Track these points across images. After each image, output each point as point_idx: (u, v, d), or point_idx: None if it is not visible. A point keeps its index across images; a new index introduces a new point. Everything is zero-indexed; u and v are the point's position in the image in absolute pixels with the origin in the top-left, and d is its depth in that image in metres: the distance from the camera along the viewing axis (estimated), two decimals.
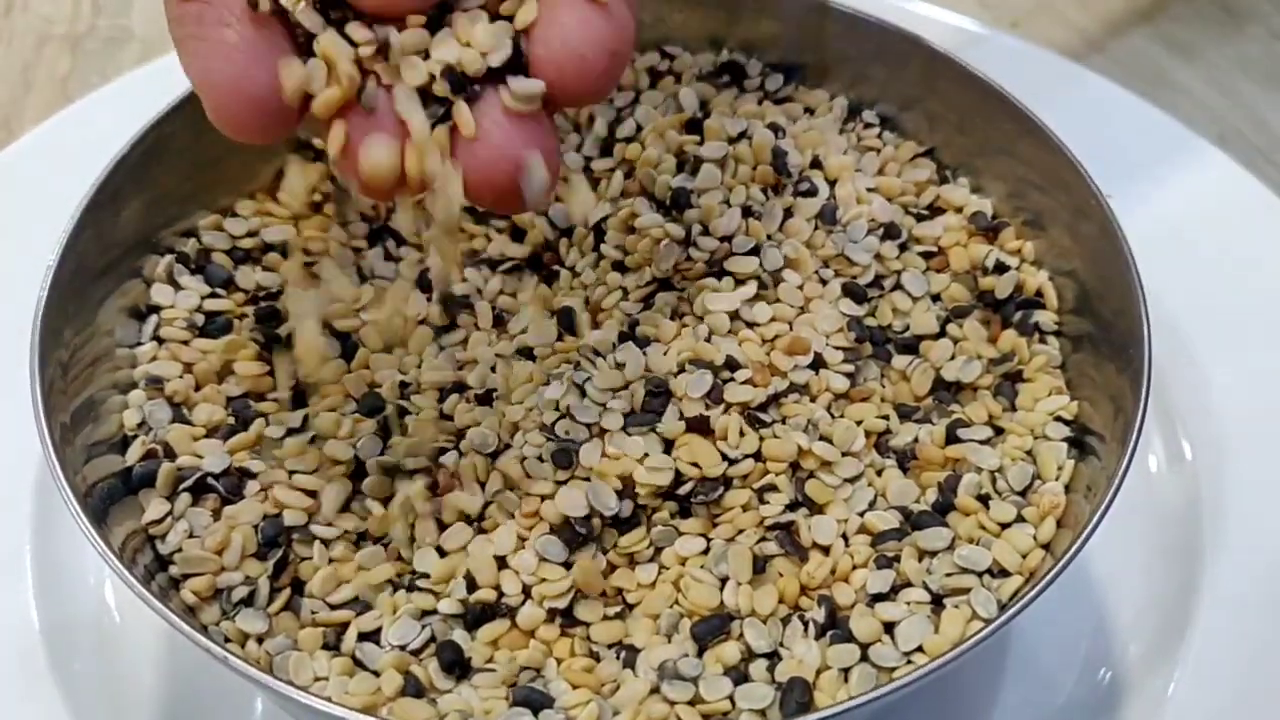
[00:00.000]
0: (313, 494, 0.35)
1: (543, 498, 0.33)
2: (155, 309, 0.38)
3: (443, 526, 0.34)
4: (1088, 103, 0.51)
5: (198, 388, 0.37)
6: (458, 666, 0.32)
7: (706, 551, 0.33)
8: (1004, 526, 0.34)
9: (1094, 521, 0.31)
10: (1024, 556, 0.33)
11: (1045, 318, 0.38)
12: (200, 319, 0.38)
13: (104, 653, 0.38)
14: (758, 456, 0.34)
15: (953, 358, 0.37)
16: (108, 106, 0.52)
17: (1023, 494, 0.34)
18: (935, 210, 0.41)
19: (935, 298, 0.38)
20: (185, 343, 0.38)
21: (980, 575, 0.33)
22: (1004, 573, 0.33)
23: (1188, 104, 0.57)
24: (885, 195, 0.40)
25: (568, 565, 0.33)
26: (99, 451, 0.35)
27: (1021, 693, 0.39)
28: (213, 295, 0.39)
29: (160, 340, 0.38)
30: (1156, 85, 0.58)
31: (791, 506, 0.34)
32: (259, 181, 0.42)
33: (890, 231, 0.39)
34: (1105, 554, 0.39)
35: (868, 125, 0.43)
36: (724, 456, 0.34)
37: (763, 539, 0.33)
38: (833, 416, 0.35)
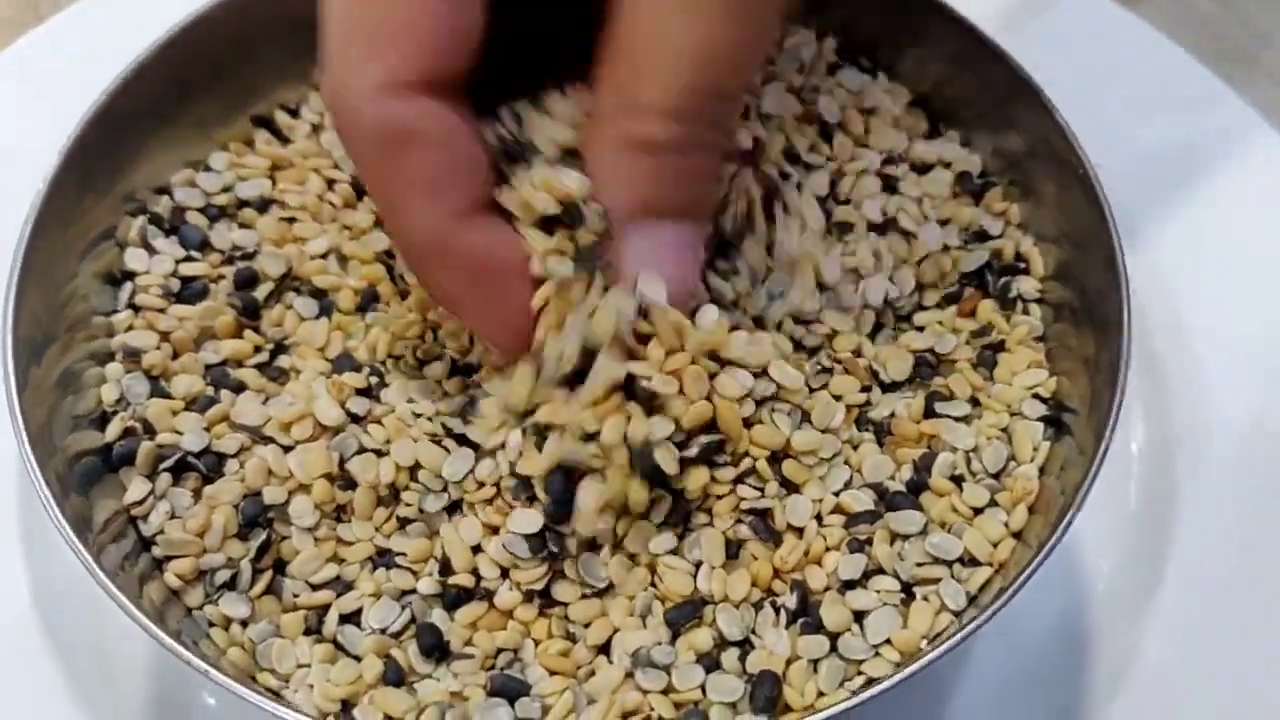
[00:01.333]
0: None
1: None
2: (130, 275, 0.38)
3: None
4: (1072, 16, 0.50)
5: (175, 356, 0.37)
6: (437, 650, 0.33)
7: (682, 537, 0.33)
8: (976, 511, 0.34)
9: (1068, 519, 0.31)
10: (995, 546, 0.33)
11: (1028, 285, 0.38)
12: (176, 284, 0.38)
13: (94, 620, 0.39)
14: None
15: (922, 329, 0.37)
16: (81, 25, 0.50)
17: (996, 476, 0.35)
18: (924, 168, 0.40)
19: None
20: (161, 310, 0.37)
21: (950, 565, 0.33)
22: (974, 561, 0.33)
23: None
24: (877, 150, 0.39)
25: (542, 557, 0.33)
26: (80, 425, 0.36)
27: (994, 646, 0.39)
28: (187, 259, 0.38)
29: (136, 309, 0.37)
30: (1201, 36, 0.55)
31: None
32: (233, 131, 0.41)
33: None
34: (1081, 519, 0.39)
35: (862, 70, 0.42)
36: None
37: (738, 521, 0.33)
38: (811, 390, 0.35)
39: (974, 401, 0.36)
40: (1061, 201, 0.37)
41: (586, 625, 0.33)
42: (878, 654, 0.32)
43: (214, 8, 0.40)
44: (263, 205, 0.40)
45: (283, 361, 0.37)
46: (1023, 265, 0.38)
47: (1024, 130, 0.39)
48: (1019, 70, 0.38)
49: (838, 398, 0.35)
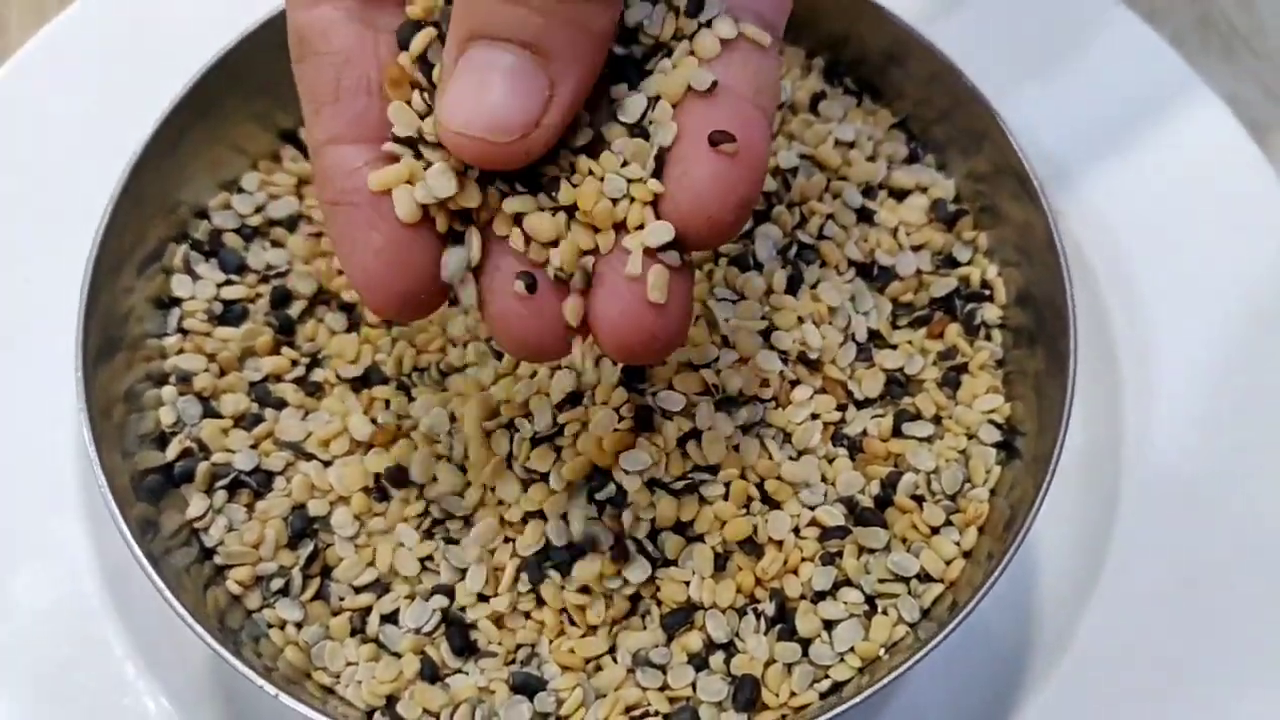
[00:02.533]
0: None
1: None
2: (177, 300, 0.42)
3: None
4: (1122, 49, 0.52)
5: (221, 374, 0.41)
6: (465, 649, 0.38)
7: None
8: (934, 530, 0.39)
9: (1005, 560, 0.36)
10: (947, 564, 0.38)
11: (991, 313, 0.42)
12: (219, 307, 0.42)
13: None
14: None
15: (895, 347, 0.41)
16: (89, 21, 0.52)
17: (953, 498, 0.39)
18: (902, 194, 0.43)
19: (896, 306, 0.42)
20: (207, 334, 0.41)
21: (908, 581, 0.38)
22: (929, 578, 0.38)
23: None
24: (856, 182, 0.43)
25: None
26: (145, 443, 0.40)
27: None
28: (227, 283, 0.42)
29: (184, 332, 0.42)
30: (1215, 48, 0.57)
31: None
32: (260, 148, 0.45)
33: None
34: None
35: (848, 91, 0.45)
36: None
37: (723, 539, 0.38)
38: (779, 405, 0.40)
39: (937, 420, 0.41)
40: (1023, 225, 0.41)
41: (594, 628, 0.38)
42: (842, 660, 0.37)
43: (259, 29, 0.42)
44: (292, 223, 0.44)
45: (317, 375, 0.42)
46: (987, 292, 0.42)
47: (989, 155, 0.42)
48: (979, 95, 0.41)
49: (815, 416, 0.40)
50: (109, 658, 0.42)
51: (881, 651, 0.37)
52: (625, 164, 0.30)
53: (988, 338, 0.42)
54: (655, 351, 0.30)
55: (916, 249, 0.42)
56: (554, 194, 0.30)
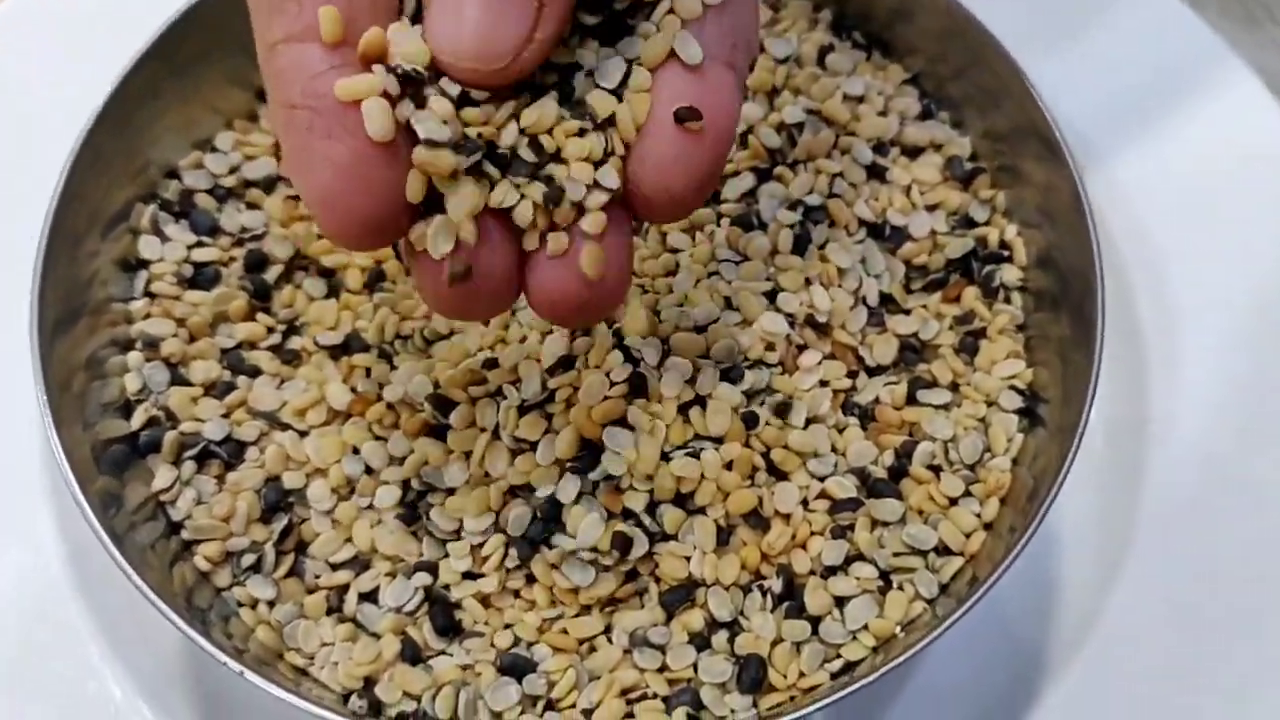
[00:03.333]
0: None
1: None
2: (144, 263, 0.39)
3: None
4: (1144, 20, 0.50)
5: (191, 340, 0.39)
6: (450, 629, 0.35)
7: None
8: (952, 501, 0.36)
9: (1030, 530, 0.33)
10: (967, 537, 0.36)
11: (1011, 274, 0.39)
12: (189, 270, 0.39)
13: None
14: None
15: (908, 312, 0.39)
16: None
17: (972, 468, 0.37)
18: (915, 151, 0.41)
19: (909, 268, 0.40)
20: (176, 298, 0.39)
21: (925, 554, 0.36)
22: (948, 551, 0.36)
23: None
24: (867, 138, 0.40)
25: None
26: (109, 412, 0.38)
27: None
28: (198, 244, 0.40)
29: (152, 296, 0.39)
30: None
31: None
32: (236, 107, 0.42)
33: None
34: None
35: (856, 45, 0.42)
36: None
37: (726, 512, 0.36)
38: (785, 371, 0.37)
39: (954, 387, 0.38)
40: (1045, 186, 0.39)
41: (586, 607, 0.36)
42: (855, 639, 0.35)
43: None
44: (269, 185, 0.41)
45: (294, 343, 0.39)
46: (1006, 253, 0.40)
47: (1009, 113, 0.40)
48: (1002, 51, 0.39)
49: (824, 383, 0.37)
50: (74, 642, 0.40)
51: (897, 629, 0.35)
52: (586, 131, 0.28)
53: (1007, 300, 0.39)
54: (587, 318, 0.30)
55: (931, 209, 0.40)
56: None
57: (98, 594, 0.40)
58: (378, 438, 0.37)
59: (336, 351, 0.39)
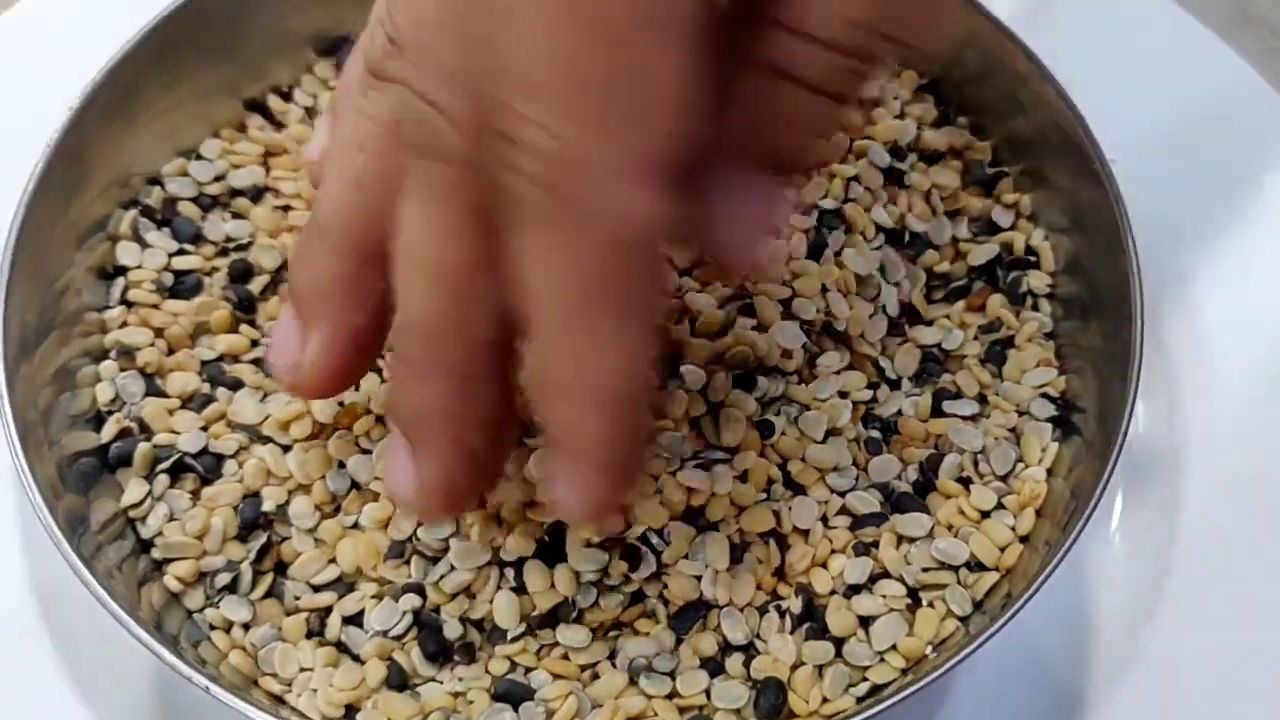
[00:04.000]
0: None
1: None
2: (122, 270, 0.37)
3: None
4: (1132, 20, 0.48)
5: (170, 352, 0.36)
6: (441, 654, 0.32)
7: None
8: (984, 514, 0.34)
9: (1074, 535, 0.30)
10: (1002, 551, 0.33)
11: (1038, 280, 0.37)
12: (169, 279, 0.37)
13: (97, 610, 0.38)
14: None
15: (930, 323, 0.37)
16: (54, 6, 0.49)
17: (1004, 479, 0.34)
18: (934, 156, 0.39)
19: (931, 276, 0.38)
20: (155, 306, 0.37)
21: (956, 570, 0.33)
22: (981, 566, 0.33)
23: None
24: (883, 141, 0.38)
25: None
26: (78, 424, 0.35)
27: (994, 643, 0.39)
28: (180, 253, 0.38)
29: (129, 304, 0.37)
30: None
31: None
32: (224, 115, 0.40)
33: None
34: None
35: None
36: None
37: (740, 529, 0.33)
38: (802, 380, 0.35)
39: (982, 399, 0.36)
40: (1073, 192, 0.37)
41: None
42: (883, 660, 0.32)
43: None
44: (256, 194, 0.39)
45: None
46: (1033, 259, 0.37)
47: (1035, 117, 0.38)
48: (1030, 55, 0.37)
49: (844, 394, 0.35)
50: (38, 680, 0.37)
51: (928, 649, 0.32)
52: None
53: (1035, 307, 0.37)
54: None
55: (952, 214, 0.38)
56: None
57: (67, 632, 0.38)
58: (364, 451, 0.35)
59: None
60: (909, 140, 0.39)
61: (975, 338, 0.37)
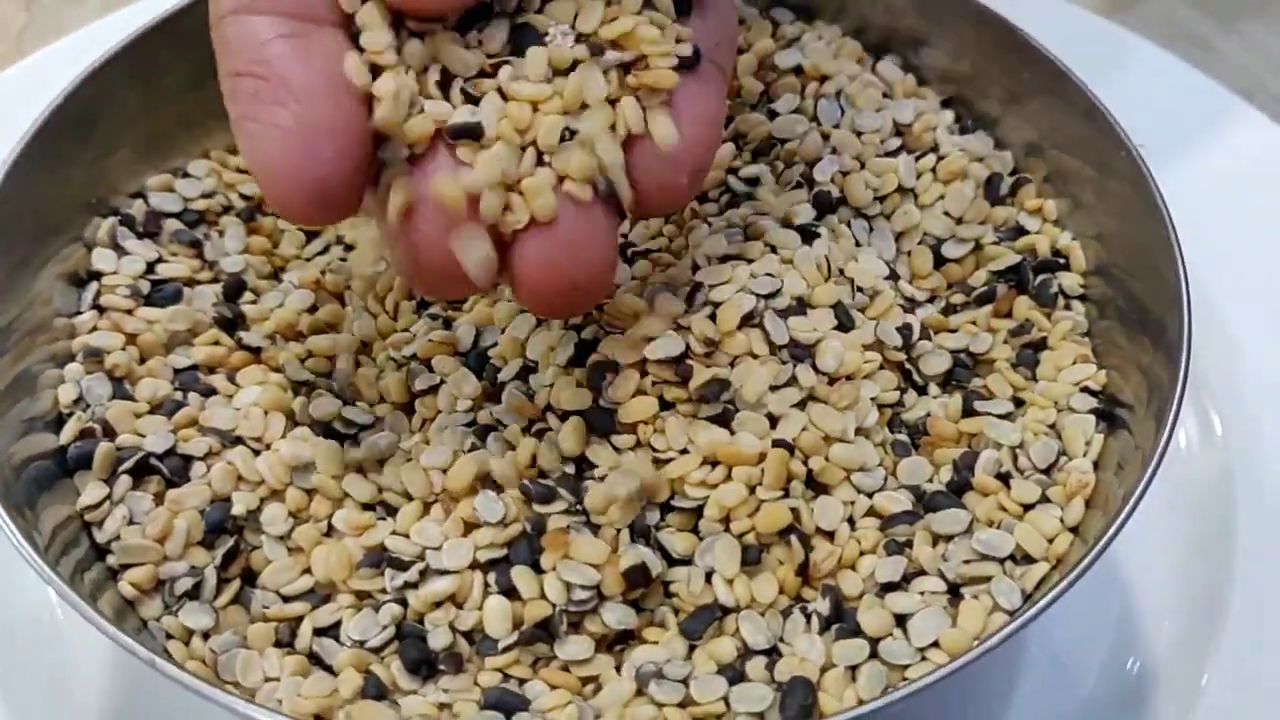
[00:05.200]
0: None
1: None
2: (96, 275, 0.35)
3: None
4: (1115, 58, 0.48)
5: (142, 360, 0.34)
6: (424, 666, 0.29)
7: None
8: (1027, 508, 0.31)
9: (1130, 504, 0.27)
10: (1050, 541, 0.30)
11: (1070, 280, 0.35)
12: (146, 286, 0.35)
13: (45, 651, 0.35)
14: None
15: (955, 330, 0.34)
16: (64, 59, 0.48)
17: (1047, 472, 0.31)
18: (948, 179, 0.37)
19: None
20: (129, 312, 0.34)
21: (1002, 562, 0.30)
22: (1028, 559, 0.30)
23: (1214, 62, 0.54)
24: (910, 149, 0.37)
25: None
26: (34, 428, 0.32)
27: (1042, 683, 0.36)
28: (160, 260, 0.36)
29: (100, 309, 0.35)
30: (1182, 41, 0.54)
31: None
32: (214, 140, 0.39)
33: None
34: (1131, 534, 0.36)
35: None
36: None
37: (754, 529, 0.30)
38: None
39: (1016, 401, 0.33)
40: (1104, 196, 0.35)
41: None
42: (924, 658, 0.28)
43: (179, 11, 0.37)
44: (249, 214, 0.37)
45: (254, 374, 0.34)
46: (1062, 260, 0.35)
47: (1060, 125, 0.36)
48: (1057, 62, 0.36)
49: (870, 397, 0.32)
50: None
51: (975, 645, 0.28)
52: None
53: (1067, 308, 0.35)
54: (573, 305, 0.29)
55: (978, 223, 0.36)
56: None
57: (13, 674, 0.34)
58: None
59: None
60: (927, 146, 0.37)
61: (1005, 341, 0.34)
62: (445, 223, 0.26)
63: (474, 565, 0.30)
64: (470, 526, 0.30)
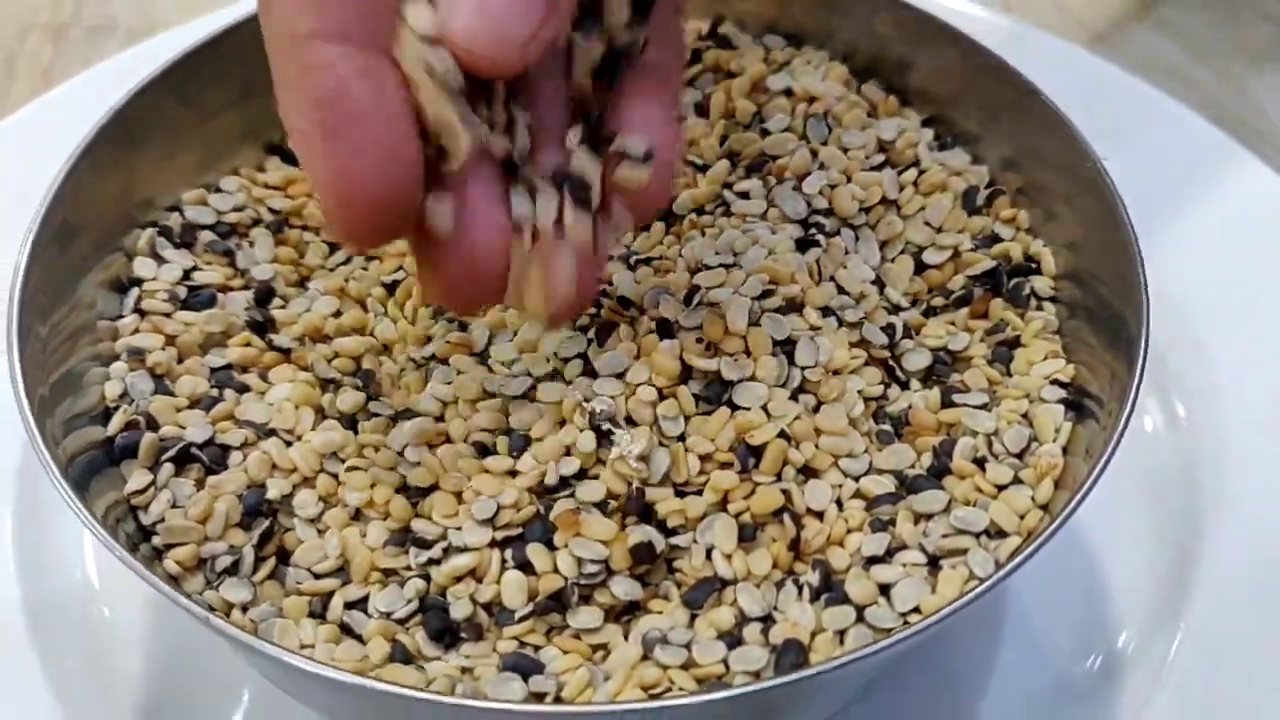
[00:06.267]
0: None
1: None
2: (138, 281, 0.38)
3: None
4: (1082, 82, 0.51)
5: (180, 360, 0.36)
6: (446, 634, 0.31)
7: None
8: (1001, 488, 0.33)
9: (1092, 477, 0.30)
10: (1022, 517, 0.32)
11: (1041, 283, 0.38)
12: (183, 291, 0.38)
13: (89, 634, 0.37)
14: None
15: (936, 330, 0.37)
16: (90, 91, 0.51)
17: (1020, 456, 0.34)
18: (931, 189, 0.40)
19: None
20: (167, 315, 0.37)
21: (977, 536, 0.32)
22: (1001, 533, 0.32)
23: (1181, 86, 0.57)
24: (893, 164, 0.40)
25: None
26: (79, 424, 0.35)
27: (1018, 660, 0.38)
28: (195, 268, 0.38)
29: (142, 313, 0.37)
30: (1150, 68, 0.57)
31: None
32: (242, 159, 0.42)
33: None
34: (1101, 518, 0.38)
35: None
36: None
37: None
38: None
39: (991, 394, 0.36)
40: (1073, 206, 0.38)
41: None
42: (906, 622, 0.31)
43: (221, 34, 0.40)
44: (278, 226, 0.40)
45: (284, 372, 0.37)
46: (1034, 265, 0.38)
47: (1032, 141, 0.39)
48: (1029, 84, 0.39)
49: (857, 390, 0.35)
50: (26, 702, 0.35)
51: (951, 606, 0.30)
52: None
53: (1039, 308, 0.37)
54: (570, 315, 0.32)
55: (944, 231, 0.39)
56: None
57: (55, 650, 0.36)
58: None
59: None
60: (908, 162, 0.40)
61: (981, 340, 0.37)
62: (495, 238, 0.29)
63: (493, 544, 0.32)
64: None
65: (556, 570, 0.32)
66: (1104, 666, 0.38)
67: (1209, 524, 0.40)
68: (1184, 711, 0.36)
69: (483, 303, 0.34)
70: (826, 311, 0.36)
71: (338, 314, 0.38)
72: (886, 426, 0.35)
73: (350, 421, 0.35)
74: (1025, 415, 0.35)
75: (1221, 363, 0.44)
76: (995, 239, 0.39)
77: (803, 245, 0.37)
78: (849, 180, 0.39)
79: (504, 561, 0.32)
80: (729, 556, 0.32)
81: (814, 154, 0.39)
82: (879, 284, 0.38)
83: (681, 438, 0.33)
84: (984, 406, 0.35)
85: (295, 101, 0.28)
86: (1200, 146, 0.50)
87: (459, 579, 0.32)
